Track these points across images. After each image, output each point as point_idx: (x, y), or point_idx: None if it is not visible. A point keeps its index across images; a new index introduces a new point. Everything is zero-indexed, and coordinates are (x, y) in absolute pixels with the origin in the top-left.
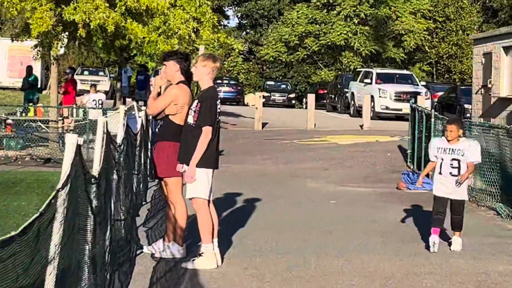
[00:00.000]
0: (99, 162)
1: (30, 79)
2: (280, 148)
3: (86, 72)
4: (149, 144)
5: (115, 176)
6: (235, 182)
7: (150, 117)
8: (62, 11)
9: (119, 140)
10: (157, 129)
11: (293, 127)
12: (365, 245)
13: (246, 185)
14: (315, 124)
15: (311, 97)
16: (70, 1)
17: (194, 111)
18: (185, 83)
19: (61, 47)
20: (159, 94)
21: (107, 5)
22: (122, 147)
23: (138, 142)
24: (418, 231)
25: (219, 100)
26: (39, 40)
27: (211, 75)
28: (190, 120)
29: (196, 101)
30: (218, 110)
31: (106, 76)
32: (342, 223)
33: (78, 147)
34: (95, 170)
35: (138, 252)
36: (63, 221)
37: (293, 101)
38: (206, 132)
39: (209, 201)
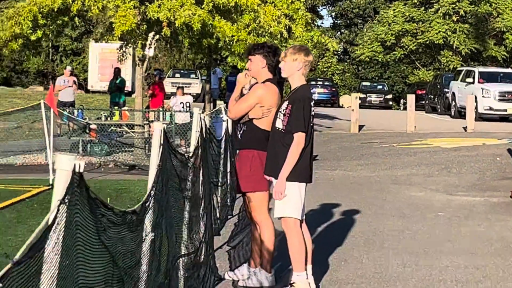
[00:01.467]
0: (151, 185)
1: (117, 81)
2: (379, 152)
3: (177, 75)
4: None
5: (183, 196)
6: (330, 190)
7: None
8: (146, 9)
9: (192, 148)
10: (239, 135)
11: (391, 129)
12: (494, 268)
13: (343, 194)
14: (415, 127)
15: (410, 98)
16: None
17: (284, 114)
18: (274, 82)
19: (149, 48)
20: (242, 94)
21: (193, 1)
22: (193, 160)
23: (222, 148)
24: None
25: (313, 101)
26: (123, 40)
27: (303, 70)
28: (279, 125)
29: (286, 102)
30: (312, 113)
31: (198, 78)
32: (456, 240)
33: (79, 176)
34: (151, 195)
35: (215, 282)
36: None
37: (390, 102)
38: (299, 139)
39: (301, 220)
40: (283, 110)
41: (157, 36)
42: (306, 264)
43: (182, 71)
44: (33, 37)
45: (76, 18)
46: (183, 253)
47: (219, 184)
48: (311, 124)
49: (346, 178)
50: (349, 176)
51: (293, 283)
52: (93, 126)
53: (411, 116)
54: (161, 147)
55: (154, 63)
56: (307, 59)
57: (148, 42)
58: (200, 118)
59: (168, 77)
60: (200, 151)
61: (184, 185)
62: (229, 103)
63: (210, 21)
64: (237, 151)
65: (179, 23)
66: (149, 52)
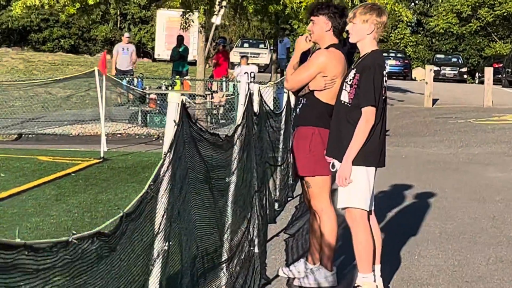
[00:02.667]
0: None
1: (180, 49)
2: (454, 128)
3: (246, 44)
4: None
5: (212, 190)
6: (402, 169)
7: None
8: None
9: (238, 121)
10: (298, 110)
11: (467, 104)
12: None
13: (416, 174)
14: (492, 101)
15: (488, 71)
16: None
17: (351, 85)
18: (339, 48)
19: (216, 15)
20: (303, 61)
21: None
22: (236, 140)
23: (282, 122)
24: None
25: (385, 70)
26: (185, 7)
27: (375, 34)
28: (345, 97)
29: (353, 71)
30: (384, 84)
31: (267, 48)
32: None
33: None
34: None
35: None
36: None
37: (465, 76)
38: (368, 114)
39: (369, 212)
40: (350, 80)
41: (224, 3)
42: (373, 264)
43: (250, 40)
44: (91, 1)
45: None
46: (209, 265)
47: (278, 163)
48: (383, 97)
49: (419, 156)
50: (422, 154)
51: (358, 286)
52: (152, 96)
53: (488, 90)
54: (176, 127)
55: (222, 32)
56: (380, 20)
57: (214, 10)
58: (248, 89)
59: (236, 46)
60: (246, 128)
61: (216, 175)
62: (286, 72)
63: None
64: (295, 128)
65: None
66: (216, 20)
